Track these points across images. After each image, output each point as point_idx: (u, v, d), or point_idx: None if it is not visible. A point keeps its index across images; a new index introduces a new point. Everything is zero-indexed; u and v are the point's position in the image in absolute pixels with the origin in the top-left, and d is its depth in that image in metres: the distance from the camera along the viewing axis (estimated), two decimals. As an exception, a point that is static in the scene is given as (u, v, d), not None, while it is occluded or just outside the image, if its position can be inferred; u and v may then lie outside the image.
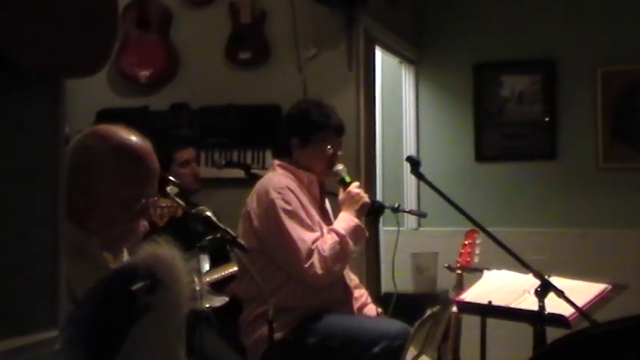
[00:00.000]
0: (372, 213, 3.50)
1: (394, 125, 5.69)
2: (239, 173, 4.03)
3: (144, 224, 2.05)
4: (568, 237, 5.32)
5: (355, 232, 3.28)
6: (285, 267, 3.22)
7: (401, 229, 3.68)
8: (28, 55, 1.15)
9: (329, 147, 3.36)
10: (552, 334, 2.24)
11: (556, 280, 2.60)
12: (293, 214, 3.19)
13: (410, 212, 4.34)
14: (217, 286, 3.41)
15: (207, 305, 2.70)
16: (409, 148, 5.65)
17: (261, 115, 4.55)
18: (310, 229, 3.22)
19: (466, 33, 5.62)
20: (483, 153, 5.58)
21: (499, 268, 3.03)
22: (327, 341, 3.17)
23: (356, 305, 3.41)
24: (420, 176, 2.91)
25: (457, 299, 3.04)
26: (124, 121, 2.10)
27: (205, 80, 4.70)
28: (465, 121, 5.61)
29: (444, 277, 4.21)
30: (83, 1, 1.27)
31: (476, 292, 2.95)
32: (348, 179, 3.40)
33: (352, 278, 3.48)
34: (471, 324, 3.15)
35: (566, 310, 2.58)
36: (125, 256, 2.08)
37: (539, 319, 2.56)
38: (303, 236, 3.17)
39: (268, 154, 4.41)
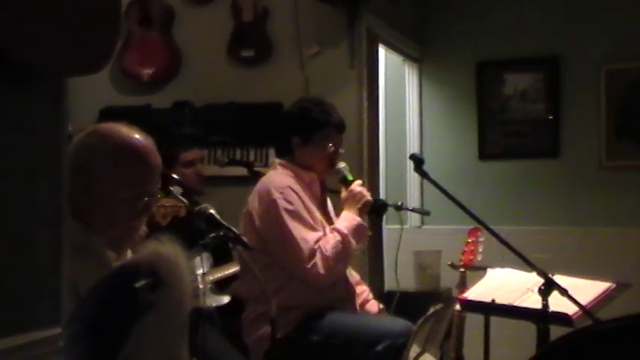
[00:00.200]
0: (374, 211, 3.48)
1: (397, 123, 5.69)
2: (242, 171, 4.03)
3: (143, 228, 2.05)
4: (571, 235, 5.30)
5: (357, 230, 3.28)
6: (288, 267, 3.21)
7: (404, 227, 3.68)
8: (29, 54, 1.15)
9: (330, 145, 3.35)
10: (556, 332, 2.23)
11: (559, 279, 2.60)
12: (295, 214, 3.18)
13: (413, 210, 4.32)
14: (220, 285, 3.41)
15: (210, 304, 2.70)
16: (412, 146, 5.64)
17: (263, 113, 4.55)
18: (312, 228, 3.21)
19: (469, 31, 5.60)
20: (486, 151, 5.57)
21: (502, 266, 3.03)
22: (330, 339, 3.16)
23: (357, 302, 3.40)
24: (423, 174, 2.90)
25: (460, 297, 3.04)
26: (126, 119, 2.10)
27: (208, 78, 4.70)
28: (468, 119, 5.60)
29: (447, 275, 4.21)
30: (85, -1, 1.27)
31: (479, 291, 2.95)
32: (350, 177, 3.40)
33: (353, 275, 3.47)
34: (474, 322, 3.14)
35: (570, 309, 2.57)
36: (128, 255, 2.08)
37: (542, 317, 2.56)
38: (306, 236, 3.16)
39: (271, 151, 4.40)
